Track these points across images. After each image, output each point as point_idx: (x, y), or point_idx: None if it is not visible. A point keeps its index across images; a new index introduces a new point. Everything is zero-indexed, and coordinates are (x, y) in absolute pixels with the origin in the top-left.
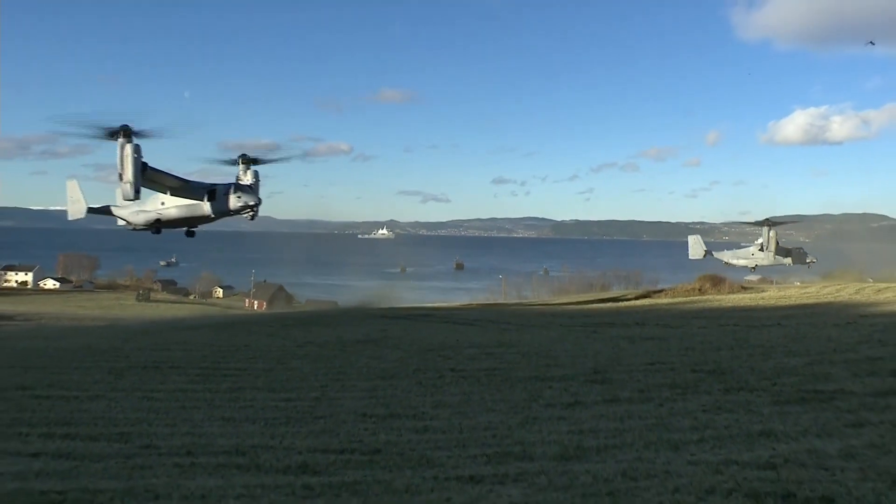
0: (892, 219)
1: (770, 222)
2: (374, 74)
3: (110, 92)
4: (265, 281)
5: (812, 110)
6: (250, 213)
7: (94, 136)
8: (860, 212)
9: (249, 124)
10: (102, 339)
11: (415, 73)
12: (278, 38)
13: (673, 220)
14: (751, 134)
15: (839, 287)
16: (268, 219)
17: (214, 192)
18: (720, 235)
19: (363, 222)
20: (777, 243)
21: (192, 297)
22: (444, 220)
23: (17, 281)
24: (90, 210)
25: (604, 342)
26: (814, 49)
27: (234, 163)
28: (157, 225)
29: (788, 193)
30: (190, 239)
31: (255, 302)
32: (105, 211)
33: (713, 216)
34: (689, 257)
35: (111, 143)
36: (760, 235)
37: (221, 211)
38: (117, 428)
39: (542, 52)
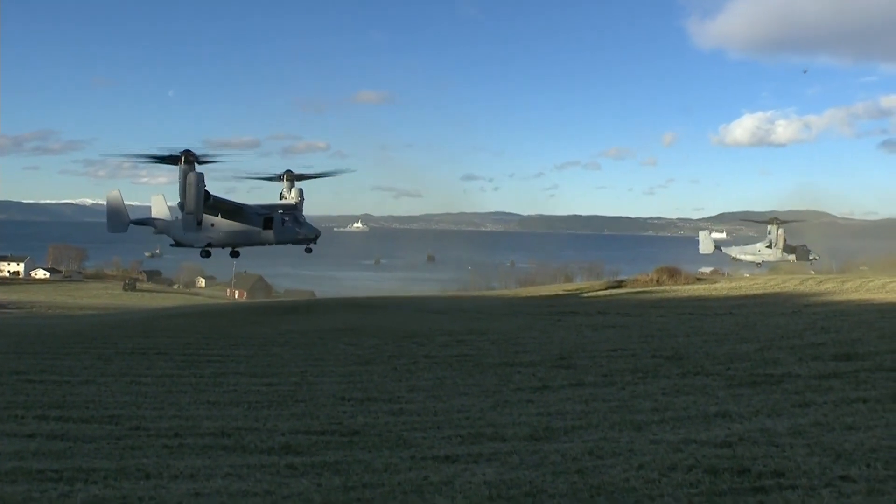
0: (833, 216)
1: (778, 221)
2: (352, 76)
3: (102, 93)
4: (245, 272)
5: (759, 114)
6: (309, 247)
7: (153, 161)
8: (804, 209)
9: (232, 122)
10: (91, 326)
11: (391, 76)
12: (261, 42)
13: (632, 216)
14: (703, 136)
15: (785, 279)
16: None
17: (272, 220)
18: (675, 230)
19: (339, 216)
20: (784, 241)
21: (176, 286)
22: (417, 215)
23: (9, 271)
24: (134, 222)
25: (569, 330)
26: (762, 57)
27: (279, 178)
28: (209, 248)
29: (738, 191)
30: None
31: (237, 292)
32: (148, 223)
33: (669, 212)
34: (700, 252)
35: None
36: (715, 231)
37: (282, 241)
38: (108, 411)
39: (511, 57)
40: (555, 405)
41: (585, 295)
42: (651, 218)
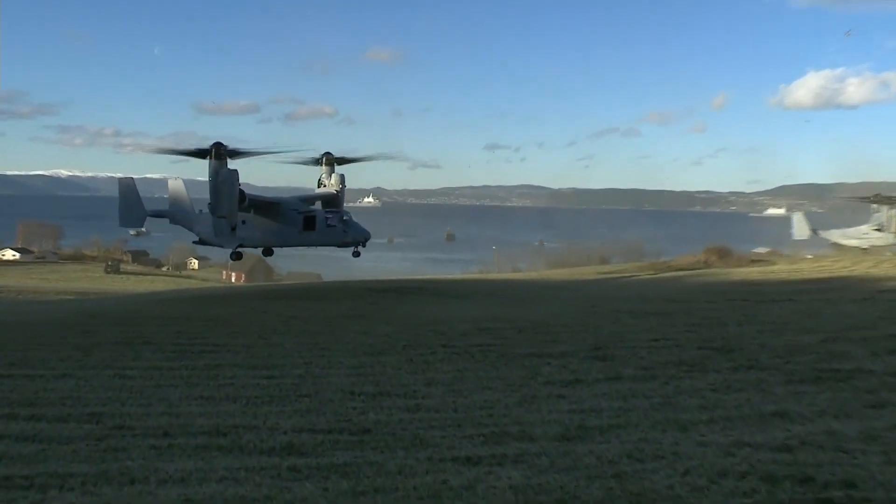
0: None
1: (890, 200)
2: (361, 32)
3: (78, 49)
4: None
5: (827, 72)
6: (357, 251)
7: (178, 155)
8: (879, 180)
9: (227, 84)
10: (69, 313)
11: (405, 32)
12: None
13: (677, 189)
14: (760, 98)
15: (855, 261)
16: (246, 186)
17: (313, 220)
18: (726, 205)
19: (348, 189)
20: None
21: (165, 268)
22: (434, 188)
23: None
24: (150, 214)
25: (605, 317)
26: (831, 6)
27: (316, 162)
28: (240, 249)
29: (800, 161)
30: (161, 205)
31: (234, 274)
32: (166, 216)
33: (720, 185)
34: (794, 238)
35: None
36: (772, 206)
37: (325, 243)
38: (87, 408)
39: (540, 11)
40: (589, 401)
41: (623, 278)
42: (699, 192)
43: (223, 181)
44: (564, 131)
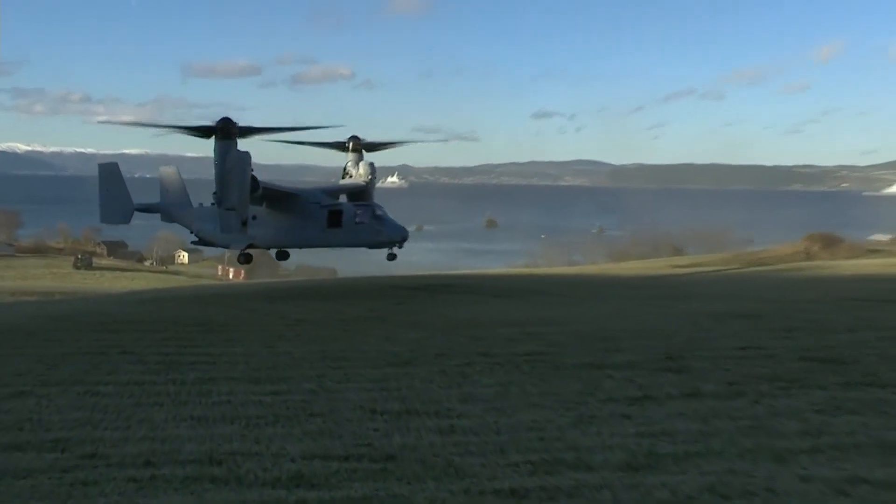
0: None
1: None
2: None
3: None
4: None
5: None
6: (392, 253)
7: (180, 132)
8: None
9: (221, 41)
10: (29, 318)
11: None
12: None
13: (770, 163)
14: (879, 46)
15: None
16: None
17: (339, 216)
18: (834, 182)
19: None
20: None
21: (148, 262)
22: (472, 165)
23: None
24: (138, 209)
25: (679, 320)
26: None
27: (341, 148)
28: (250, 249)
29: None
30: (143, 188)
31: (231, 269)
32: (157, 210)
33: (825, 157)
34: None
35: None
36: (895, 183)
37: (354, 244)
38: (51, 433)
39: None
40: (660, 423)
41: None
42: (798, 166)
43: (233, 166)
44: (629, 94)
